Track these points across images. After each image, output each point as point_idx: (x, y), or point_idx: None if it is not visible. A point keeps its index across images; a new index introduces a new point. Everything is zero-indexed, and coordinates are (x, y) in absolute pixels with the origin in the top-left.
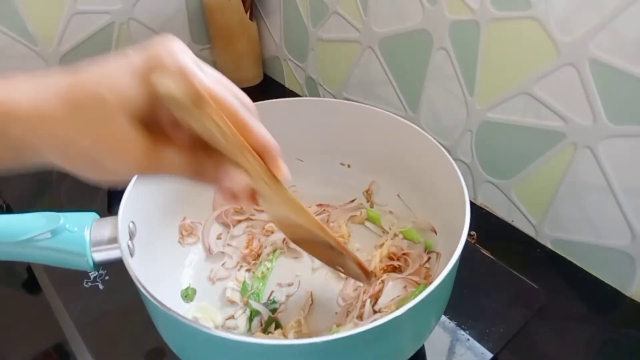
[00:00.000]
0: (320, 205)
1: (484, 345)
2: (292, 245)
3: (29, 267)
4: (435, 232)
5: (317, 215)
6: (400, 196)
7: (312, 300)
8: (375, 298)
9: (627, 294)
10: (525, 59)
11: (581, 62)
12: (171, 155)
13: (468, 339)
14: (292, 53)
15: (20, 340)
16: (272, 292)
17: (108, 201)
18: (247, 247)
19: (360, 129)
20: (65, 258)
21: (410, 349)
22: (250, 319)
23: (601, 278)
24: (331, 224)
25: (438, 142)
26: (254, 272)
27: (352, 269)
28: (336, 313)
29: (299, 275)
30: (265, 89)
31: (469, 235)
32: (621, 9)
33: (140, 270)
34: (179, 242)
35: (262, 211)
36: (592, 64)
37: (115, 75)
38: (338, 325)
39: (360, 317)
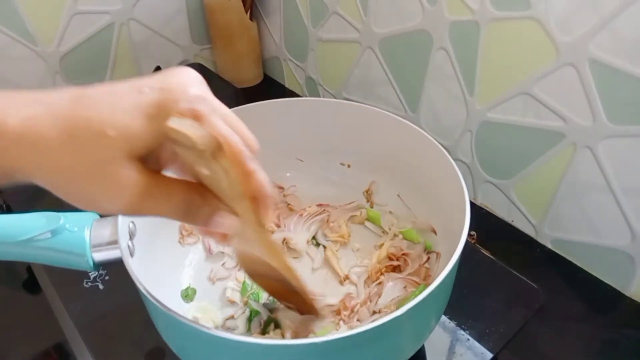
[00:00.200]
0: (320, 205)
1: (484, 345)
2: (292, 245)
3: (29, 267)
4: (435, 233)
5: (317, 215)
6: (400, 196)
7: None
8: (374, 299)
9: (627, 294)
10: (525, 59)
11: (581, 62)
12: (166, 198)
13: (468, 339)
14: (292, 53)
15: (20, 340)
16: None
17: None
18: None
19: (360, 129)
20: (65, 258)
21: (410, 349)
22: (250, 319)
23: (601, 278)
24: (331, 224)
25: (438, 142)
26: None
27: (303, 306)
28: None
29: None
30: (265, 89)
31: (469, 235)
32: (621, 9)
33: (140, 271)
34: (179, 242)
35: None
36: (592, 64)
37: (126, 114)
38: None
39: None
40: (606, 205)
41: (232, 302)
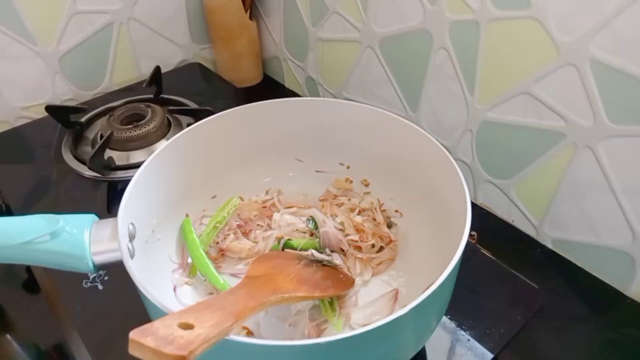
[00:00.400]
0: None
1: (484, 346)
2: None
3: (28, 268)
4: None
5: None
6: (400, 196)
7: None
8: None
9: (627, 294)
10: (526, 58)
11: (581, 62)
12: None
13: (468, 340)
14: (292, 53)
15: (20, 340)
16: None
17: (107, 202)
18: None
19: (360, 128)
20: (65, 260)
21: (412, 349)
22: None
23: (601, 278)
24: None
25: (438, 142)
26: None
27: (339, 284)
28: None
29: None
30: (265, 88)
31: (470, 235)
32: (621, 9)
33: (140, 272)
34: (180, 242)
35: None
36: (592, 64)
37: None
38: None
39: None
40: (607, 205)
41: None
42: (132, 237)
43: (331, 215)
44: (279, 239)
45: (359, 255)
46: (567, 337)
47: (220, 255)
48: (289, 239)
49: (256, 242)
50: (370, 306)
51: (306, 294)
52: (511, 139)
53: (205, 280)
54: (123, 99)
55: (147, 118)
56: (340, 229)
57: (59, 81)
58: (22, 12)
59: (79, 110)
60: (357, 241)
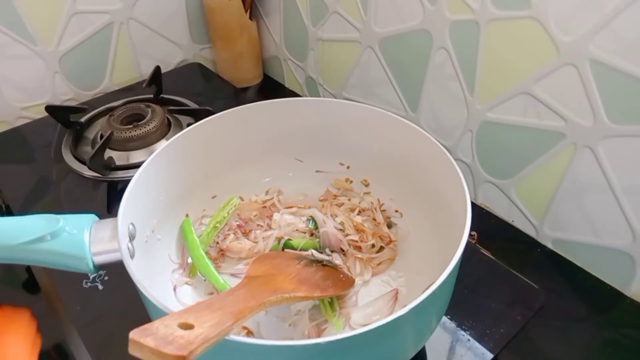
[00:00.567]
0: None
1: (484, 346)
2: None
3: (28, 268)
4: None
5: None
6: (400, 196)
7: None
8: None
9: (627, 294)
10: (526, 58)
11: (581, 62)
12: None
13: (468, 340)
14: (292, 53)
15: None
16: None
17: (107, 202)
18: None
19: (360, 129)
20: (65, 261)
21: (412, 349)
22: None
23: (601, 278)
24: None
25: (438, 142)
26: None
27: (339, 284)
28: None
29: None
30: (265, 89)
31: (470, 235)
32: (621, 9)
33: (140, 272)
34: (180, 242)
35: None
36: (592, 64)
37: None
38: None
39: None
40: (607, 205)
41: None
42: (132, 237)
43: (331, 215)
44: (279, 239)
45: (359, 255)
46: (567, 337)
47: (220, 255)
48: (289, 239)
49: (256, 242)
50: (370, 306)
51: (306, 294)
52: (511, 139)
53: (205, 280)
54: (123, 99)
55: (147, 118)
56: (340, 229)
57: (59, 81)
58: (22, 12)
59: (79, 110)
60: (357, 241)
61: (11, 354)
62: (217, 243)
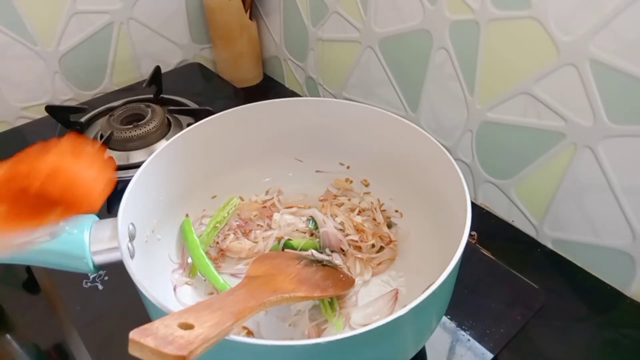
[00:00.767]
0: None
1: (484, 346)
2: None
3: (28, 268)
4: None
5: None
6: (400, 196)
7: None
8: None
9: (627, 294)
10: (526, 58)
11: (581, 62)
12: None
13: (468, 340)
14: (292, 53)
15: (20, 341)
16: None
17: (107, 202)
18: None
19: (360, 129)
20: (65, 260)
21: (412, 349)
22: None
23: (601, 278)
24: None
25: (438, 142)
26: None
27: (339, 284)
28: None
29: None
30: (265, 88)
31: (470, 235)
32: (621, 9)
33: (140, 272)
34: (180, 242)
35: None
36: (592, 64)
37: None
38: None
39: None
40: (607, 205)
41: None
42: (132, 237)
43: (331, 215)
44: (279, 239)
45: (359, 255)
46: (567, 337)
47: (220, 255)
48: (289, 239)
49: (256, 242)
50: (370, 306)
51: (306, 294)
52: (511, 139)
53: (205, 280)
54: (123, 99)
55: (147, 118)
56: (340, 229)
57: (59, 81)
58: (22, 12)
59: (79, 110)
60: (357, 241)
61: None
62: (217, 243)
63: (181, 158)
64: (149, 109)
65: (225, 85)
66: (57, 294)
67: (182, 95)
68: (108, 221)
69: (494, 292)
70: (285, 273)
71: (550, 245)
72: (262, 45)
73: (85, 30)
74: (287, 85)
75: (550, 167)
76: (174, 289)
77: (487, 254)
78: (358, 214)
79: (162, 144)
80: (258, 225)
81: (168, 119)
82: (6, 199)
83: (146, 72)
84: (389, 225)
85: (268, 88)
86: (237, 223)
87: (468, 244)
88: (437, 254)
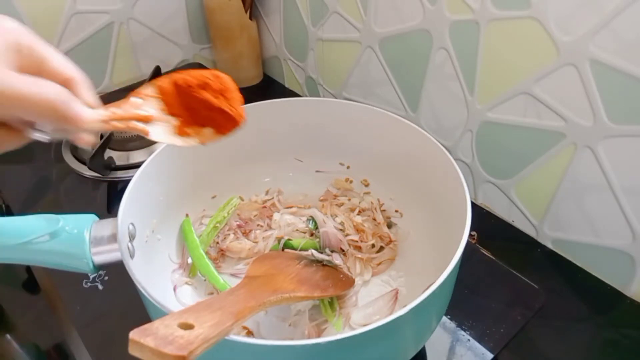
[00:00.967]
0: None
1: (484, 346)
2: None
3: (28, 268)
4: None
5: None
6: (400, 196)
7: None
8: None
9: (627, 294)
10: (526, 58)
11: (581, 62)
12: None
13: (468, 340)
14: (292, 53)
15: (20, 341)
16: None
17: (107, 202)
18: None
19: (360, 129)
20: (65, 260)
21: (412, 349)
22: None
23: (601, 278)
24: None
25: (438, 142)
26: None
27: (339, 284)
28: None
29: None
30: (265, 88)
31: (470, 235)
32: (621, 9)
33: (140, 272)
34: (180, 242)
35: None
36: (592, 64)
37: None
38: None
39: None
40: (607, 205)
41: None
42: (132, 237)
43: (331, 215)
44: (279, 239)
45: (359, 255)
46: (567, 337)
47: (220, 255)
48: (289, 239)
49: (256, 242)
50: (370, 306)
51: (306, 294)
52: (511, 139)
53: (205, 280)
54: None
55: None
56: (340, 229)
57: None
58: (22, 12)
59: None
60: (357, 241)
61: None
62: (217, 243)
63: (181, 158)
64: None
65: None
66: (57, 294)
67: None
68: (108, 221)
69: (494, 292)
70: (285, 273)
71: (550, 245)
72: (262, 45)
73: (85, 30)
74: (287, 85)
75: (550, 167)
76: (174, 289)
77: (487, 254)
78: (358, 214)
79: (162, 144)
80: (258, 225)
81: None
82: (179, 110)
83: (146, 72)
84: (389, 225)
85: (268, 88)
86: (237, 223)
87: (468, 244)
88: (437, 254)
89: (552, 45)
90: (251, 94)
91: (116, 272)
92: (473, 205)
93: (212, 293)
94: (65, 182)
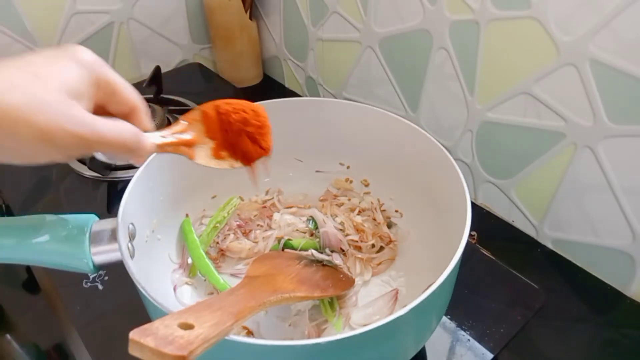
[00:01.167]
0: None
1: (484, 346)
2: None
3: (28, 268)
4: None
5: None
6: (400, 196)
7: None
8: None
9: (627, 294)
10: (526, 58)
11: (581, 62)
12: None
13: (468, 340)
14: (292, 53)
15: (20, 341)
16: None
17: (107, 202)
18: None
19: (360, 128)
20: (65, 260)
21: (412, 349)
22: None
23: (601, 278)
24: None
25: (438, 142)
26: None
27: (339, 284)
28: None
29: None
30: (265, 89)
31: (470, 235)
32: (621, 9)
33: (140, 272)
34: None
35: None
36: (592, 64)
37: (55, 63)
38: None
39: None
40: (607, 205)
41: None
42: (132, 237)
43: (331, 215)
44: (279, 239)
45: (359, 255)
46: (567, 337)
47: (220, 255)
48: (289, 239)
49: (256, 242)
50: (370, 306)
51: (306, 294)
52: (511, 139)
53: (205, 280)
54: None
55: None
56: (340, 229)
57: None
58: (22, 12)
59: None
60: (357, 241)
61: None
62: (217, 243)
63: (181, 158)
64: (149, 109)
65: (225, 85)
66: (57, 294)
67: (182, 95)
68: (108, 221)
69: (494, 292)
70: (285, 273)
71: (550, 245)
72: (262, 45)
73: (85, 30)
74: (287, 85)
75: (550, 167)
76: (174, 289)
77: (487, 254)
78: (358, 214)
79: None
80: (258, 225)
81: (168, 118)
82: (216, 134)
83: (146, 72)
84: (389, 225)
85: (268, 88)
86: (237, 223)
87: (468, 244)
88: (437, 254)
89: (552, 45)
90: (251, 94)
91: (116, 272)
92: (473, 205)
93: (212, 293)
94: (65, 182)
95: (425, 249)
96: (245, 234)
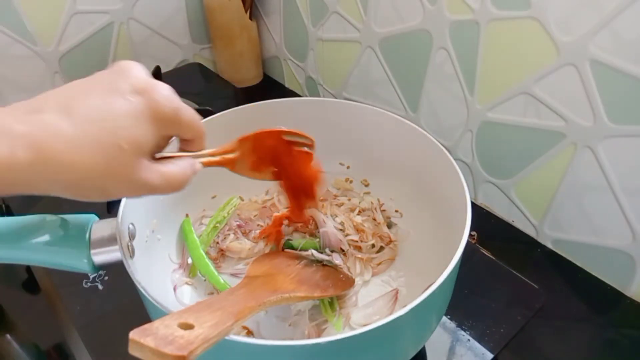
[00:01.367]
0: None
1: (484, 346)
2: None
3: (28, 268)
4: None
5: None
6: (400, 196)
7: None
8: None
9: (627, 294)
10: (526, 58)
11: (581, 62)
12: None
13: (468, 340)
14: (292, 53)
15: (20, 341)
16: None
17: (107, 202)
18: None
19: (360, 129)
20: (65, 260)
21: (412, 349)
22: None
23: (601, 278)
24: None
25: (438, 142)
26: None
27: (339, 283)
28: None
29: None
30: (265, 89)
31: (470, 235)
32: (621, 9)
33: (140, 272)
34: (180, 242)
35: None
36: (592, 64)
37: (128, 124)
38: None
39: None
40: (607, 205)
41: None
42: (132, 237)
43: (331, 215)
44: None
45: (359, 255)
46: (567, 337)
47: (220, 255)
48: (289, 239)
49: (256, 242)
50: (370, 306)
51: (306, 294)
52: (511, 139)
53: (205, 280)
54: None
55: None
56: (340, 229)
57: (59, 81)
58: (22, 12)
59: None
60: (357, 241)
61: None
62: (217, 243)
63: None
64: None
65: (225, 85)
66: (57, 294)
67: (182, 95)
68: (108, 221)
69: (494, 292)
70: (285, 273)
71: (550, 245)
72: (262, 45)
73: (85, 30)
74: (287, 85)
75: (550, 167)
76: (174, 289)
77: (487, 254)
78: (358, 214)
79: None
80: (258, 225)
81: None
82: (258, 151)
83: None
84: (389, 225)
85: (268, 88)
86: (237, 223)
87: (468, 244)
88: (437, 254)
89: (552, 45)
90: (251, 94)
91: (116, 272)
92: (473, 205)
93: (212, 293)
94: None
95: (425, 249)
96: (245, 234)
